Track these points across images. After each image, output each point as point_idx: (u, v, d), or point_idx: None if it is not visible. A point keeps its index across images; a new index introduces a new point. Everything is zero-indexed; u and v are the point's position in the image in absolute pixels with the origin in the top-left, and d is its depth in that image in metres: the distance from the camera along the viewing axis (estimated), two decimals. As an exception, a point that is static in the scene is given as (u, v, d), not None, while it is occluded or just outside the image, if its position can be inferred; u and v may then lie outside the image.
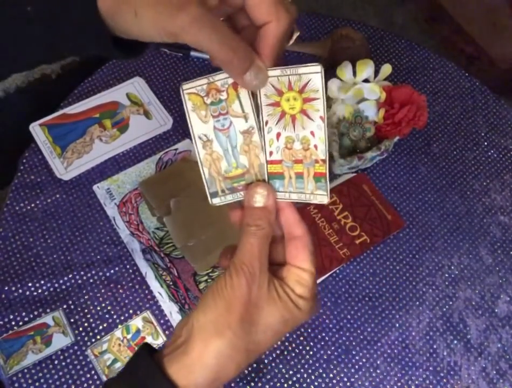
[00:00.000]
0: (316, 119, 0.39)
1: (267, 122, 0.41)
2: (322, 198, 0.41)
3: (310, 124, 0.39)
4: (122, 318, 0.73)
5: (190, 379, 0.37)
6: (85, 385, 0.69)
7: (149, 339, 0.72)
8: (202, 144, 0.42)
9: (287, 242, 0.42)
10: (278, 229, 0.43)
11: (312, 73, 0.38)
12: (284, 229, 0.42)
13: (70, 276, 0.75)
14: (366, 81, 0.81)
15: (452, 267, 0.83)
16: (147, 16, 0.34)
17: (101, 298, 0.74)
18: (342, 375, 0.73)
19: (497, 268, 0.84)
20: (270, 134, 0.41)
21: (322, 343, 0.75)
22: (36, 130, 0.85)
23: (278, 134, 0.41)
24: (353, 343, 0.75)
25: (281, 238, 0.43)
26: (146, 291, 0.75)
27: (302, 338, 0.75)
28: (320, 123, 0.39)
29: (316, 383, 0.72)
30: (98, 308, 0.74)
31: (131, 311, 0.74)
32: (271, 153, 0.41)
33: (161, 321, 0.73)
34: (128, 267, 0.77)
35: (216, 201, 0.44)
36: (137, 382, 0.37)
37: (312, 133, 0.39)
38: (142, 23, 0.34)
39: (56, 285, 0.74)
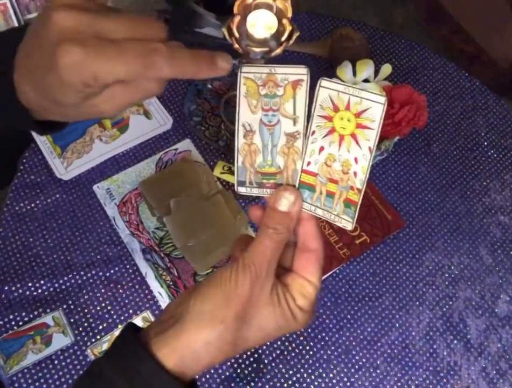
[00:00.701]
0: (363, 148, 0.38)
1: (313, 132, 0.40)
2: (347, 223, 0.40)
3: (356, 150, 0.38)
4: (122, 318, 0.73)
5: (178, 362, 0.37)
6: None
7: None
8: (244, 132, 0.41)
9: (299, 252, 0.42)
10: (293, 236, 0.43)
11: (375, 102, 0.37)
12: (299, 238, 0.42)
13: (70, 276, 0.75)
14: (366, 81, 0.81)
15: (452, 267, 0.83)
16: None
17: (101, 298, 0.74)
18: (342, 375, 0.73)
19: (497, 268, 0.84)
20: (313, 145, 0.40)
21: (322, 343, 0.75)
22: (36, 130, 0.85)
23: (322, 148, 0.40)
24: (353, 343, 0.75)
25: (292, 244, 0.43)
26: (146, 291, 0.75)
27: (302, 338, 0.75)
28: (367, 153, 0.38)
29: (316, 383, 0.72)
30: (98, 308, 0.74)
31: (131, 311, 0.74)
32: (308, 163, 0.41)
33: (161, 321, 0.73)
34: (127, 267, 0.77)
35: (242, 190, 0.43)
36: (129, 366, 0.37)
37: (355, 159, 0.39)
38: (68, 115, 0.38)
39: (56, 285, 0.74)
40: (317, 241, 0.41)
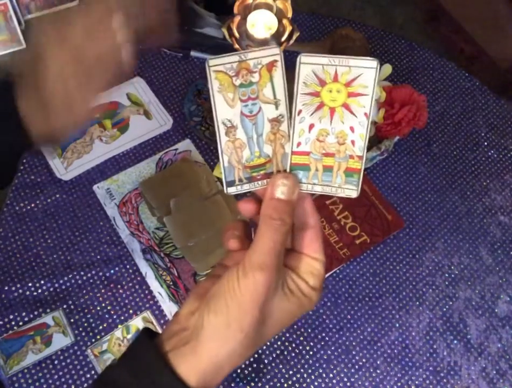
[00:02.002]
0: (359, 115, 0.37)
1: (300, 111, 0.38)
2: (351, 192, 0.39)
3: (351, 120, 0.37)
4: (122, 318, 0.73)
5: (200, 378, 0.36)
6: (85, 385, 0.69)
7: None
8: (226, 130, 0.39)
9: (299, 231, 0.41)
10: None
11: (366, 68, 0.36)
12: (296, 218, 0.40)
13: (70, 276, 0.75)
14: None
15: (452, 267, 0.83)
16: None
17: (101, 298, 0.74)
18: (342, 375, 0.73)
19: (497, 268, 0.84)
20: (301, 125, 0.38)
21: (322, 343, 0.75)
22: (36, 130, 0.85)
23: (311, 126, 0.38)
24: (353, 343, 0.75)
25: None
26: (146, 291, 0.75)
27: (302, 338, 0.75)
28: (363, 120, 0.37)
29: (316, 383, 0.72)
30: (98, 308, 0.74)
31: (131, 311, 0.74)
32: (299, 144, 0.39)
33: (161, 321, 0.73)
34: (128, 267, 0.77)
35: (232, 190, 0.40)
36: (148, 380, 0.36)
37: (351, 128, 0.37)
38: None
39: (56, 285, 0.74)
40: (314, 217, 0.40)
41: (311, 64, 0.37)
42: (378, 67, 0.36)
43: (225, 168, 0.40)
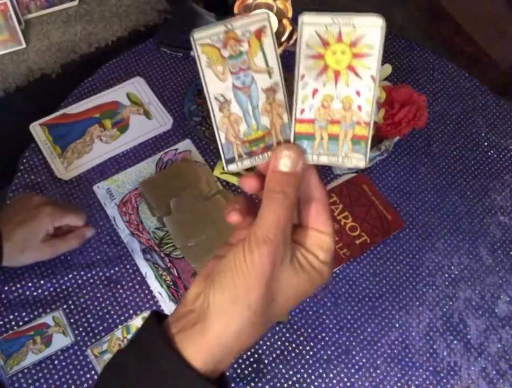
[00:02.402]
0: (364, 78, 0.35)
1: (303, 76, 0.36)
2: (358, 161, 0.37)
3: (357, 83, 0.35)
4: (122, 318, 0.73)
5: (207, 359, 0.35)
6: (85, 385, 0.69)
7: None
8: (219, 106, 0.37)
9: (305, 205, 0.39)
10: None
11: (371, 26, 0.34)
12: (301, 191, 0.39)
13: (70, 276, 0.75)
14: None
15: (452, 267, 0.83)
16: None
17: (101, 298, 0.74)
18: (342, 375, 0.73)
19: (497, 268, 0.84)
20: (304, 90, 0.36)
21: (322, 343, 0.75)
22: (36, 130, 0.85)
23: (315, 91, 0.36)
24: (353, 343, 0.75)
25: None
26: (146, 291, 0.75)
27: (302, 338, 0.75)
28: (369, 83, 0.35)
29: (316, 383, 0.72)
30: (98, 308, 0.74)
31: (131, 311, 0.74)
32: (302, 111, 0.37)
33: (161, 321, 0.73)
34: (128, 267, 0.77)
35: (232, 167, 0.38)
36: (155, 364, 0.35)
37: (357, 92, 0.35)
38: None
39: (56, 285, 0.74)
40: (320, 189, 0.38)
41: (313, 25, 0.35)
42: (384, 25, 0.34)
43: (222, 146, 0.38)
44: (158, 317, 0.38)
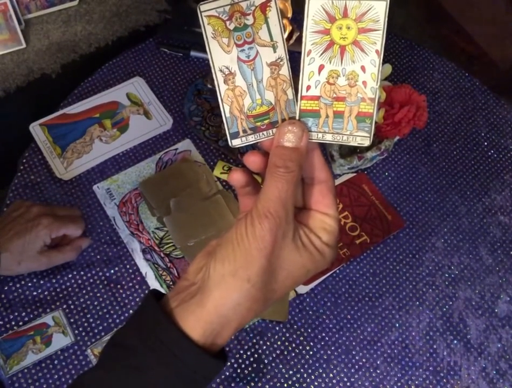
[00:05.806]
0: (370, 53, 0.35)
1: (309, 52, 0.36)
2: (363, 139, 0.37)
3: (361, 58, 0.36)
4: (122, 318, 0.73)
5: (206, 331, 0.36)
6: (85, 385, 0.69)
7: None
8: (224, 77, 0.37)
9: (309, 187, 0.39)
10: None
11: (376, 0, 0.34)
12: (305, 173, 0.39)
13: (70, 276, 0.75)
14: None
15: (452, 267, 0.83)
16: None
17: (101, 298, 0.74)
18: (342, 375, 0.73)
19: (497, 268, 0.84)
20: (310, 66, 0.36)
21: (322, 343, 0.75)
22: (36, 130, 0.85)
23: (321, 67, 0.36)
24: (353, 343, 0.75)
25: (299, 181, 0.40)
26: (146, 291, 0.75)
27: (302, 338, 0.75)
28: (375, 58, 0.35)
29: (316, 383, 0.72)
30: (98, 308, 0.74)
31: (131, 311, 0.74)
32: (308, 87, 0.37)
33: (161, 321, 0.73)
34: (128, 267, 0.77)
35: (236, 142, 0.39)
36: (152, 336, 0.35)
37: (363, 68, 0.36)
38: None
39: (56, 285, 0.74)
40: (325, 170, 0.39)
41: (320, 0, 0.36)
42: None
43: (226, 119, 0.38)
44: (156, 295, 0.39)
